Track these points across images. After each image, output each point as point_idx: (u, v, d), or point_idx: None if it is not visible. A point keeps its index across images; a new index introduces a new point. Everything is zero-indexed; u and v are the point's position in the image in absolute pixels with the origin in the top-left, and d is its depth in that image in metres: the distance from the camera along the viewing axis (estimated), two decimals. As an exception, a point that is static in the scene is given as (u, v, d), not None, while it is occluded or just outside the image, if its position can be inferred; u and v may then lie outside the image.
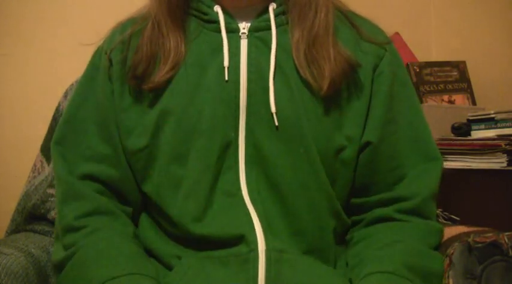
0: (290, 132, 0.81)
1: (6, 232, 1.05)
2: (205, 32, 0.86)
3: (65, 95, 1.10)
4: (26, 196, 1.05)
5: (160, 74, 0.83)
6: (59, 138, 0.88)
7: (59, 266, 0.80)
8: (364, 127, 0.84)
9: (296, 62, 0.82)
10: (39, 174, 1.06)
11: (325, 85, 0.80)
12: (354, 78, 0.84)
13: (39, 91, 1.56)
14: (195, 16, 0.87)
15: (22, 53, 1.57)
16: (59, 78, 1.38)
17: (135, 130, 0.84)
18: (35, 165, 1.08)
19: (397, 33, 1.82)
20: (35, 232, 0.99)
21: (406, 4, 1.99)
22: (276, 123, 0.80)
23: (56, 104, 1.10)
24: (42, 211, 1.01)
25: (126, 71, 0.85)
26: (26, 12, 1.58)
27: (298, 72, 0.82)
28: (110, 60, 0.87)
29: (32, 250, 0.85)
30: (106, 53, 0.88)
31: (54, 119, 1.09)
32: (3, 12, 1.56)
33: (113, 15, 0.93)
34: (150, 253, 0.83)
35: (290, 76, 0.82)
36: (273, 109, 0.81)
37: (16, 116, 1.56)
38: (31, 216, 1.02)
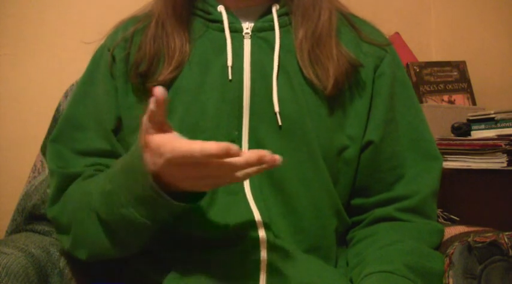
0: (293, 131, 0.81)
1: (6, 232, 1.05)
2: (209, 32, 0.86)
3: (66, 95, 1.10)
4: (26, 196, 1.05)
5: (164, 73, 0.83)
6: (56, 136, 0.88)
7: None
8: (366, 127, 0.84)
9: (300, 61, 0.83)
10: (39, 174, 1.06)
11: (329, 84, 0.81)
12: (356, 79, 0.84)
13: (40, 91, 1.56)
14: (200, 16, 0.87)
15: (23, 53, 1.57)
16: (59, 78, 1.39)
17: (138, 128, 0.84)
18: (35, 165, 1.08)
19: (397, 33, 1.82)
20: (35, 232, 0.99)
21: (406, 4, 1.99)
22: (280, 123, 0.81)
23: (57, 104, 1.10)
24: (42, 211, 1.01)
25: (129, 69, 0.85)
26: (27, 12, 1.57)
27: (301, 72, 0.83)
28: (113, 57, 0.87)
29: (32, 250, 0.84)
30: (109, 50, 0.88)
31: (55, 119, 1.09)
32: (4, 13, 1.56)
33: (115, 15, 0.93)
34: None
35: (293, 76, 0.83)
36: (277, 108, 0.81)
37: (17, 116, 1.56)
38: (31, 216, 1.02)
